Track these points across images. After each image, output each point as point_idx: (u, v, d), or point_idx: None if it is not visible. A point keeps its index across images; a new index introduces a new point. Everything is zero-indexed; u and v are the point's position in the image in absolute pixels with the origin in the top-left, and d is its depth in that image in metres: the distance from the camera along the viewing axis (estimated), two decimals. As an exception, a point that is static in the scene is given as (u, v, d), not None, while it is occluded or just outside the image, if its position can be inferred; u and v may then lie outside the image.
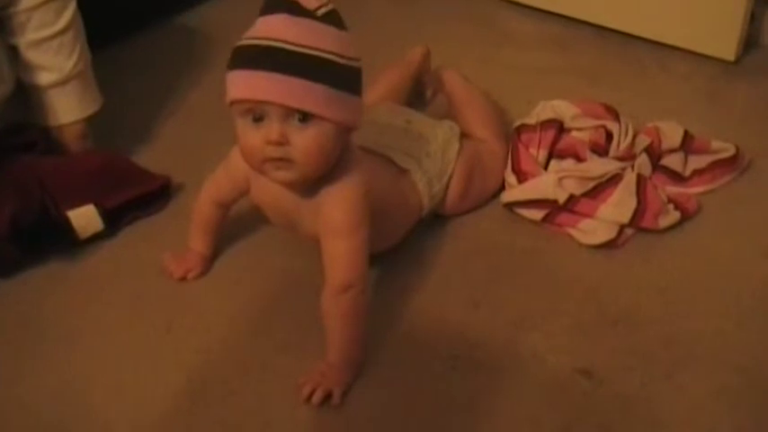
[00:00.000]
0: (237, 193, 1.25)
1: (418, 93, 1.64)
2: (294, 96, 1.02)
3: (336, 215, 1.11)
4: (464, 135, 1.41)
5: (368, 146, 1.24)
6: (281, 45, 1.02)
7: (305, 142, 1.05)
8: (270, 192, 1.16)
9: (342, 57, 1.05)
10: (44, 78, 1.35)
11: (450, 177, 1.35)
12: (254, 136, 1.06)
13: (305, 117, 1.04)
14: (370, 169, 1.17)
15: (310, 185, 1.12)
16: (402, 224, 1.29)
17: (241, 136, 1.08)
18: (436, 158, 1.33)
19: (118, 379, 1.14)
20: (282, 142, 1.04)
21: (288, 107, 1.03)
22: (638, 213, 1.33)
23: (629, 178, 1.36)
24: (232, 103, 1.06)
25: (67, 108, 1.39)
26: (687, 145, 1.47)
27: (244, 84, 1.04)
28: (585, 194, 1.34)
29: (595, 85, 1.72)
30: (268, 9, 1.06)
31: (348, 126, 1.09)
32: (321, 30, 1.04)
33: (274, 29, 1.04)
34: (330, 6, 1.07)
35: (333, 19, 1.06)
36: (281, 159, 1.06)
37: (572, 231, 1.35)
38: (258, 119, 1.05)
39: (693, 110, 1.65)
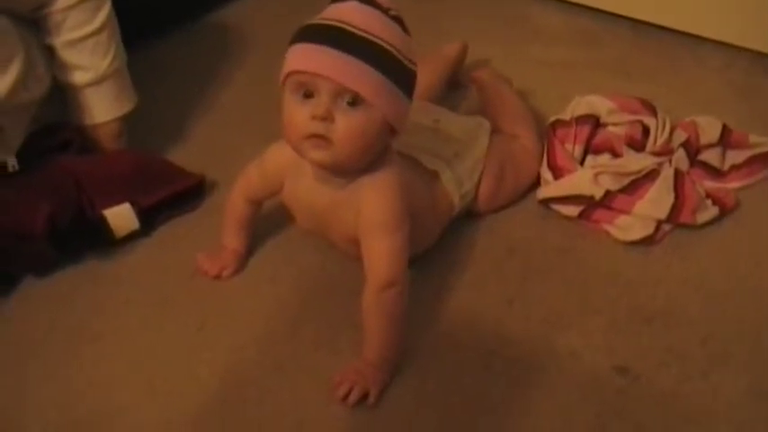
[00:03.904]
0: (268, 192, 1.25)
1: (452, 88, 1.63)
2: (349, 75, 1.03)
3: (379, 213, 1.12)
4: (495, 131, 1.41)
5: (396, 147, 1.24)
6: (347, 27, 1.03)
7: (349, 124, 1.05)
8: (306, 189, 1.17)
9: (402, 55, 1.06)
10: (79, 78, 1.36)
11: (481, 175, 1.35)
12: (300, 111, 1.06)
13: (354, 101, 1.04)
14: (403, 171, 1.17)
15: (348, 180, 1.13)
16: (433, 227, 1.28)
17: (287, 111, 1.08)
18: (465, 158, 1.32)
19: (151, 377, 1.14)
20: (327, 118, 1.04)
21: (341, 85, 1.03)
22: (675, 209, 1.32)
23: (667, 174, 1.35)
24: (287, 75, 1.07)
25: (102, 107, 1.40)
26: (725, 139, 1.46)
27: (302, 56, 1.05)
28: (622, 190, 1.33)
29: (628, 79, 1.71)
30: None
31: (393, 124, 1.09)
32: (388, 23, 1.06)
33: (343, 13, 1.05)
34: (399, 14, 1.09)
35: (400, 22, 1.08)
36: (321, 137, 1.05)
37: (608, 228, 1.34)
38: (308, 95, 1.05)
39: (729, 103, 1.63)
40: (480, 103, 1.54)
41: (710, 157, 1.43)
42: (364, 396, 1.09)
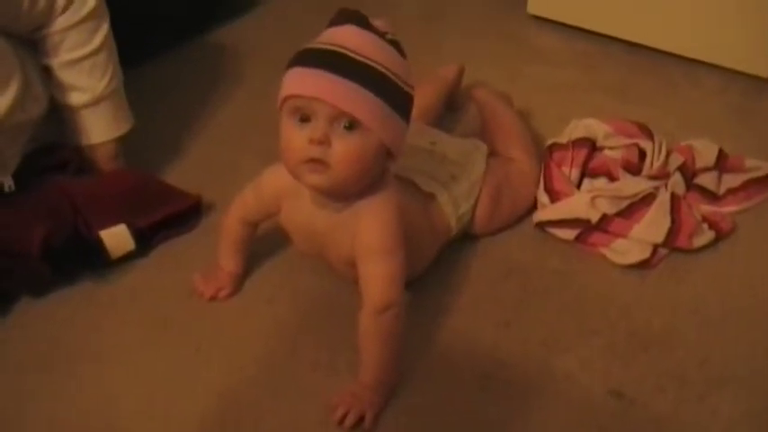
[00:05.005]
0: (264, 214, 1.25)
1: (449, 110, 1.64)
2: (346, 100, 1.03)
3: (375, 237, 1.12)
4: (493, 154, 1.41)
5: (393, 169, 1.24)
6: (344, 51, 1.04)
7: (345, 148, 1.05)
8: (304, 212, 1.17)
9: (399, 78, 1.06)
10: (76, 98, 1.36)
11: (478, 197, 1.34)
12: (298, 135, 1.06)
13: (351, 125, 1.04)
14: (400, 193, 1.17)
15: (345, 204, 1.13)
16: (430, 249, 1.28)
17: (284, 135, 1.08)
18: (462, 180, 1.32)
19: (148, 398, 1.14)
20: (324, 142, 1.04)
21: (338, 109, 1.03)
22: (671, 233, 1.32)
23: (663, 198, 1.35)
24: (284, 100, 1.07)
25: (99, 128, 1.40)
26: (721, 163, 1.46)
27: (299, 80, 1.05)
28: (619, 214, 1.34)
29: (626, 101, 1.72)
30: (337, 21, 1.08)
31: (390, 148, 1.09)
32: (385, 47, 1.06)
33: (339, 37, 1.05)
34: (396, 38, 1.09)
35: (397, 46, 1.09)
36: (318, 161, 1.05)
37: (605, 251, 1.34)
38: (305, 119, 1.05)
39: (725, 127, 1.64)
40: (481, 123, 1.54)
41: (706, 180, 1.43)
42: (360, 419, 1.09)
